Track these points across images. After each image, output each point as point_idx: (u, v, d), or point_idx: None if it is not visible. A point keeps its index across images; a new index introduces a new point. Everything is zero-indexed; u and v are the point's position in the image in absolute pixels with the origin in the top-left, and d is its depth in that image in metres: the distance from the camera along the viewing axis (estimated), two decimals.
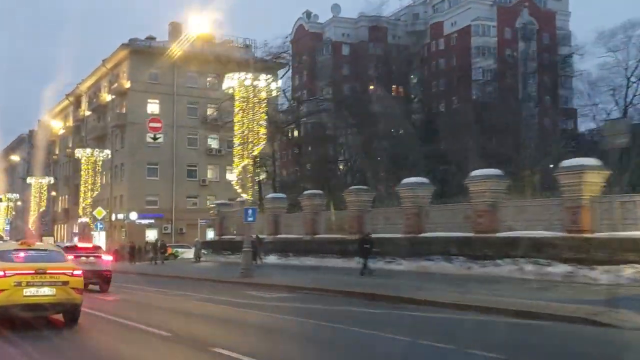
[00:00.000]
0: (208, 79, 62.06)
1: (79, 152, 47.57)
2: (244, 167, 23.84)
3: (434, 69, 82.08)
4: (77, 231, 73.45)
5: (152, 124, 31.68)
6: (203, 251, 43.08)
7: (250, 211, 23.67)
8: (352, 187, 32.89)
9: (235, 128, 24.18)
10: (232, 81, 23.94)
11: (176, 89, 59.85)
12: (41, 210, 61.04)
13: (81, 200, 48.86)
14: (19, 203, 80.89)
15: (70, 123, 78.42)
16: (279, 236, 36.98)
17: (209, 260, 42.47)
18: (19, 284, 10.75)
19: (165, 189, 59.09)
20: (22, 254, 11.73)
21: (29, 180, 61.77)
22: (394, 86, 74.83)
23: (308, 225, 33.79)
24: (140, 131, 58.88)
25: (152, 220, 58.90)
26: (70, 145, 78.64)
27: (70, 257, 15.36)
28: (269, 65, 65.68)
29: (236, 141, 24.08)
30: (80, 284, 11.50)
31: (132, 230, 57.97)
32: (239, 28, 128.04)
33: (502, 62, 77.66)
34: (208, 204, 61.30)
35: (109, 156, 49.81)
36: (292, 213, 39.06)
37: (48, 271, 11.05)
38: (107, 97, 64.94)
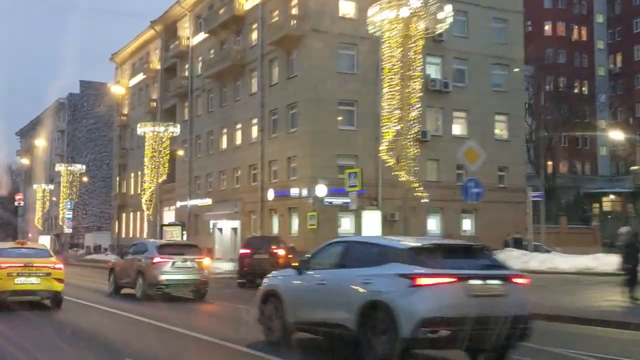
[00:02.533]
0: None
1: None
2: None
3: None
4: (173, 221, 49.50)
5: None
6: None
7: None
8: None
9: None
10: None
11: None
12: (160, 181, 36.70)
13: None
14: (85, 179, 56.71)
15: (155, 65, 54.02)
16: None
17: None
18: (11, 274, 13.83)
19: (364, 146, 34.91)
20: (15, 251, 14.71)
21: (140, 129, 37.20)
22: None
23: None
24: (326, 45, 34.68)
25: (348, 200, 34.59)
26: (154, 96, 54.48)
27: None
28: None
29: None
30: (60, 275, 14.25)
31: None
32: None
33: None
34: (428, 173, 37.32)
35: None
36: None
37: (34, 265, 14.03)
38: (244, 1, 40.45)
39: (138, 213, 57.37)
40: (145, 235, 55.15)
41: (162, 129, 35.33)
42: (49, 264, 14.20)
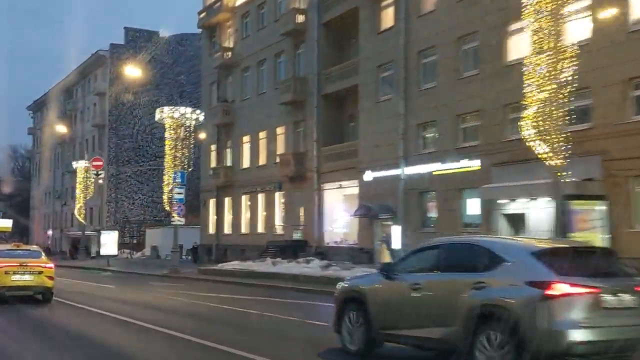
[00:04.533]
0: None
1: None
2: None
3: None
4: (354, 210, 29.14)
5: None
6: None
7: None
8: None
9: None
10: None
11: None
12: None
13: None
14: (202, 136, 35.68)
15: None
16: None
17: None
18: (8, 272, 15.63)
19: None
20: (12, 252, 16.76)
21: None
22: None
23: None
24: None
25: None
26: (299, 5, 33.96)
27: None
28: None
29: None
30: (51, 273, 16.07)
31: None
32: None
33: None
34: None
35: None
36: None
37: (28, 264, 15.88)
38: None
39: (260, 196, 36.48)
40: (274, 230, 34.72)
41: None
42: (41, 264, 16.09)
